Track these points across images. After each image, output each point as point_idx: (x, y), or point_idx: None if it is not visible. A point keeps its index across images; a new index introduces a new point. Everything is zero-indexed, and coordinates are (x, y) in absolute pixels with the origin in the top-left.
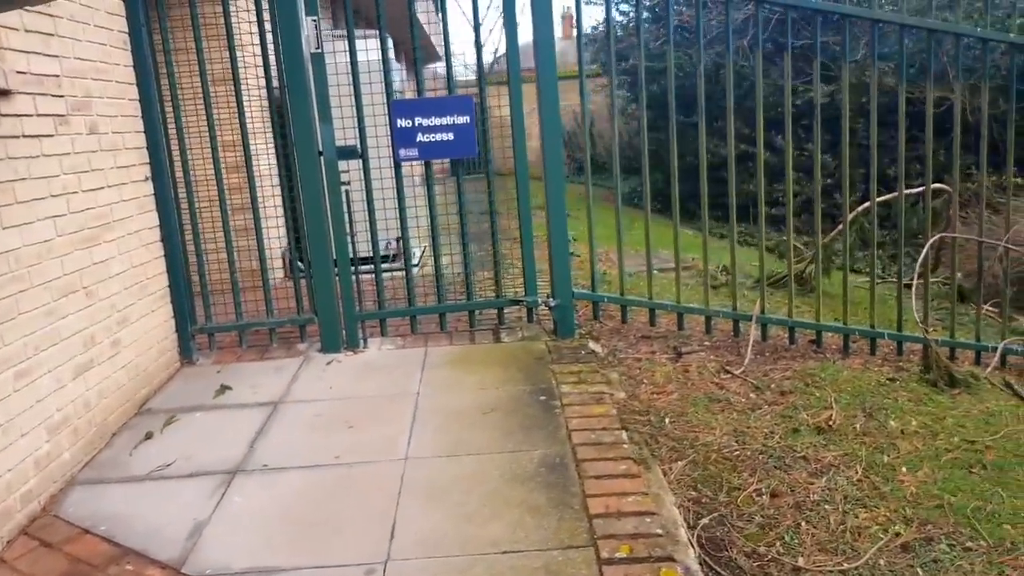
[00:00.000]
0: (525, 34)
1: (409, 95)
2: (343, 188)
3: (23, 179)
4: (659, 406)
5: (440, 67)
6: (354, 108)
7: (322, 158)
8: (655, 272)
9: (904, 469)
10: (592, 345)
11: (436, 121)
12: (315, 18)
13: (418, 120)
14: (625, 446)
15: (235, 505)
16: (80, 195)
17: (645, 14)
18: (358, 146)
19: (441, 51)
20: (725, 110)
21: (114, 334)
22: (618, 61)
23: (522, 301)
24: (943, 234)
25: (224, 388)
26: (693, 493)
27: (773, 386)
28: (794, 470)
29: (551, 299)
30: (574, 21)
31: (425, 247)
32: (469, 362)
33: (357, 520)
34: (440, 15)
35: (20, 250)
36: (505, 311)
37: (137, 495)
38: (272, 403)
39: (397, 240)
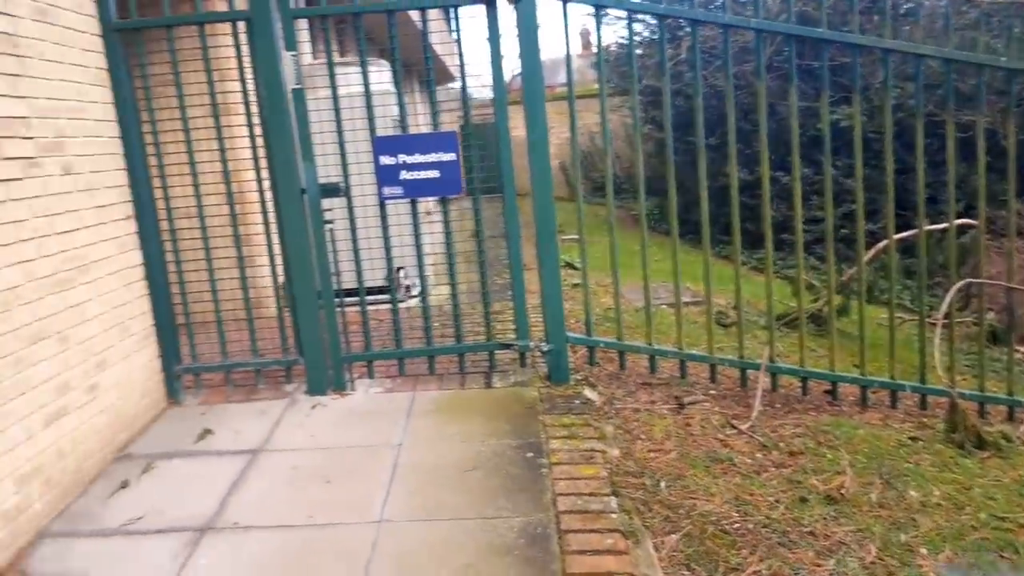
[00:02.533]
0: (548, 51)
1: (419, 119)
2: (327, 226)
3: None
4: (655, 467)
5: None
6: (338, 144)
7: (305, 196)
8: (662, 307)
9: (924, 551)
10: (587, 393)
11: (420, 158)
12: (294, 53)
13: (402, 157)
14: (614, 516)
15: (199, 570)
16: (53, 238)
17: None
18: (342, 183)
19: (453, 71)
20: (746, 135)
21: (91, 378)
22: (625, 79)
23: (513, 345)
24: (969, 280)
25: (206, 432)
26: (686, 573)
27: (782, 444)
28: (800, 548)
29: (543, 343)
30: (591, 37)
31: (423, 278)
32: (456, 410)
33: None
34: (456, 35)
35: None
36: (498, 353)
37: (105, 551)
38: (252, 451)
39: (398, 269)
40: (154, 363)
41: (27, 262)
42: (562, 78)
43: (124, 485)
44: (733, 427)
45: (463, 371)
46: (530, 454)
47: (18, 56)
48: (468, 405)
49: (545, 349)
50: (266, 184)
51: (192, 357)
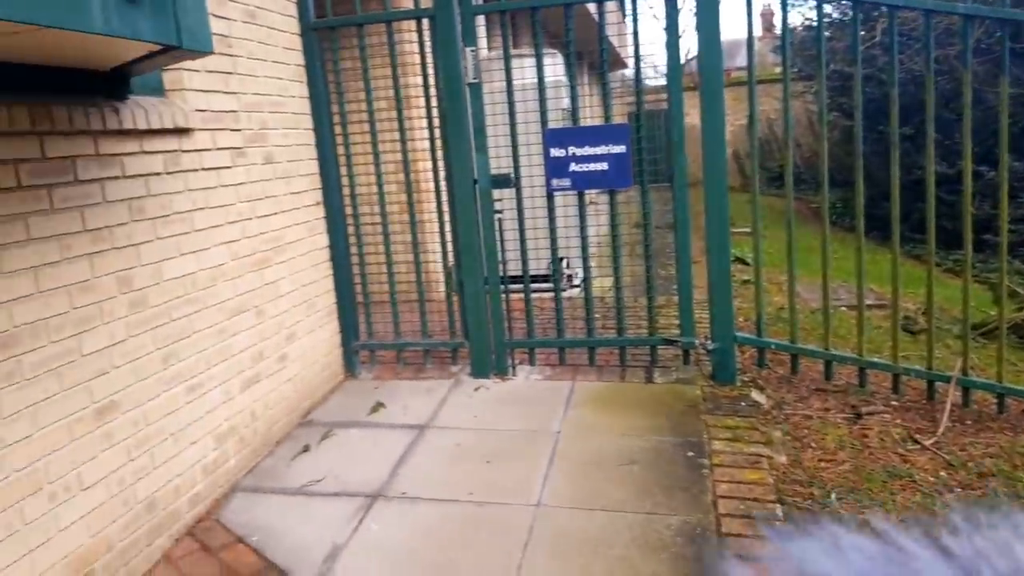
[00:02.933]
0: (727, 32)
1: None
2: (496, 216)
3: (201, 208)
4: (826, 477)
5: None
6: (509, 136)
7: (477, 186)
8: (842, 309)
9: None
10: (755, 395)
11: (590, 151)
12: (473, 48)
13: (572, 149)
14: (778, 524)
15: (371, 533)
16: (254, 221)
17: (850, 14)
18: (512, 174)
19: (624, 56)
20: (946, 124)
21: (281, 349)
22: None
23: (676, 341)
24: None
25: (379, 405)
26: None
27: (970, 464)
28: None
29: (709, 341)
30: (773, 19)
31: (587, 269)
32: (615, 403)
33: (481, 570)
34: (632, 18)
35: (196, 274)
36: (659, 348)
37: (288, 508)
38: (419, 426)
39: (561, 259)
40: (335, 338)
41: (232, 242)
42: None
43: (306, 449)
44: (916, 442)
45: (624, 364)
46: (691, 453)
47: (231, 56)
48: (627, 398)
49: (711, 347)
50: (440, 174)
51: (368, 334)
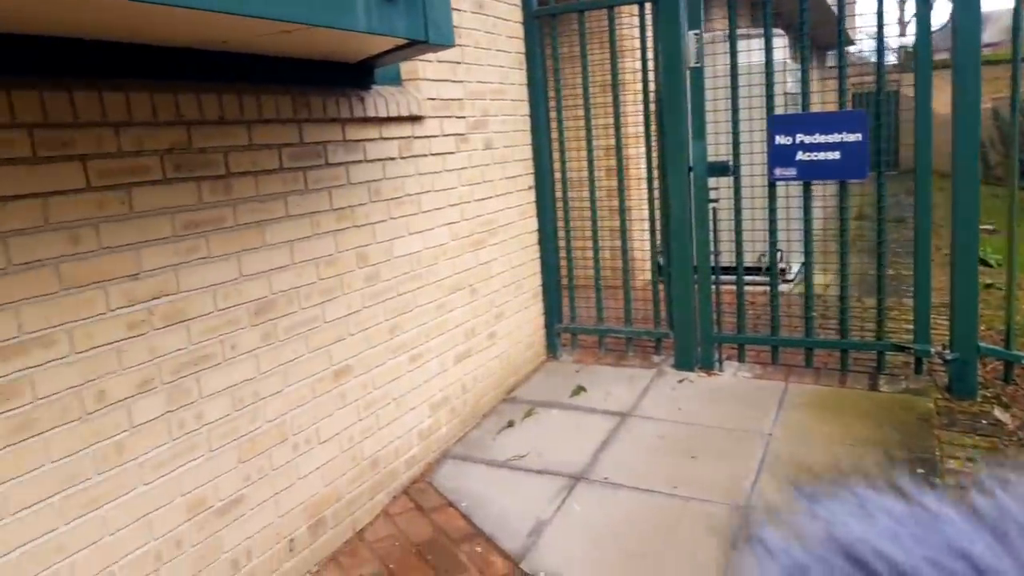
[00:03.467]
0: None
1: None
2: (711, 205)
3: (427, 191)
4: None
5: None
6: (730, 123)
7: (691, 173)
8: None
9: None
10: (997, 413)
11: (821, 139)
12: (697, 32)
13: (799, 137)
14: None
15: (574, 513)
16: (472, 204)
17: None
18: (730, 162)
19: (852, 34)
20: None
21: (491, 327)
22: None
23: (909, 348)
24: None
25: (580, 389)
26: None
27: None
28: None
29: (947, 351)
30: None
31: (809, 264)
32: (835, 409)
33: (685, 567)
34: None
35: (421, 252)
36: (887, 354)
37: (493, 479)
38: (621, 414)
39: (776, 251)
40: (539, 319)
41: (452, 224)
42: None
43: (510, 424)
44: None
45: (845, 369)
46: (920, 470)
47: (460, 46)
48: (848, 405)
49: (949, 357)
50: (653, 160)
51: (571, 318)
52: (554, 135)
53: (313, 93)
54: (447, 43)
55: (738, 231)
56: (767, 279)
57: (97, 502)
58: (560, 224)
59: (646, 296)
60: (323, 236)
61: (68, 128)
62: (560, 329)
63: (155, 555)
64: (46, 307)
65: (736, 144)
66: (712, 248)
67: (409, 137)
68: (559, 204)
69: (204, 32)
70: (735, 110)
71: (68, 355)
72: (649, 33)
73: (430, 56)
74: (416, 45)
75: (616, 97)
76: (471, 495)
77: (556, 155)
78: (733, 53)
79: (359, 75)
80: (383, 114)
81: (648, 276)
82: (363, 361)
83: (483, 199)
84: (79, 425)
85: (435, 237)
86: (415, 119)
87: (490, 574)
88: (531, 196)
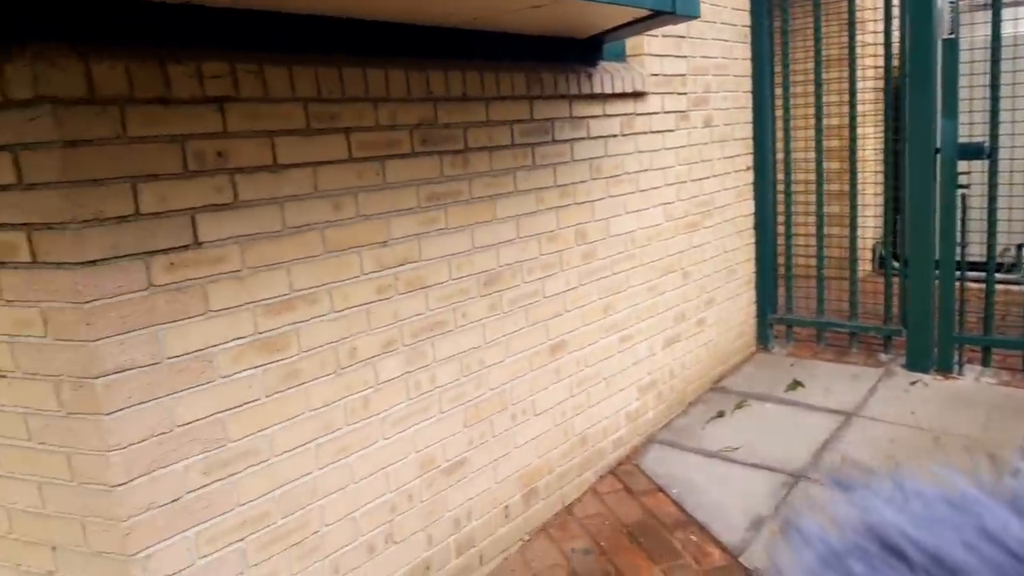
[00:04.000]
0: None
1: None
2: (959, 191)
3: (645, 170)
4: None
5: None
6: (988, 100)
7: (938, 156)
8: None
9: None
10: None
11: None
12: (952, 0)
13: None
14: None
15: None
16: (688, 184)
17: None
18: (986, 144)
19: None
20: None
21: (701, 313)
22: None
23: None
24: None
25: (796, 384)
26: None
27: None
28: None
29: None
30: None
31: None
32: None
33: None
34: None
35: (635, 232)
36: None
37: (705, 469)
38: (844, 413)
39: (1019, 247)
40: (750, 308)
41: (667, 204)
42: None
43: (720, 415)
44: None
45: None
46: None
47: None
48: None
49: None
50: (886, 140)
51: (787, 308)
52: (777, 113)
53: (544, 70)
54: (693, 14)
55: (991, 221)
56: (1019, 276)
57: (345, 451)
58: (779, 208)
59: (875, 290)
60: (546, 212)
61: (336, 103)
62: (774, 319)
63: (390, 506)
64: (312, 268)
65: (995, 124)
66: (959, 239)
67: (631, 114)
68: (779, 187)
69: (461, 8)
70: (995, 86)
71: (328, 313)
72: (895, 1)
73: (656, 31)
74: (659, 17)
75: (853, 72)
76: (681, 482)
77: (779, 135)
78: (996, 23)
79: (587, 51)
80: (608, 90)
81: (870, 267)
82: (577, 338)
83: (700, 179)
84: (334, 378)
85: (650, 217)
86: (638, 95)
87: (707, 564)
88: (749, 177)
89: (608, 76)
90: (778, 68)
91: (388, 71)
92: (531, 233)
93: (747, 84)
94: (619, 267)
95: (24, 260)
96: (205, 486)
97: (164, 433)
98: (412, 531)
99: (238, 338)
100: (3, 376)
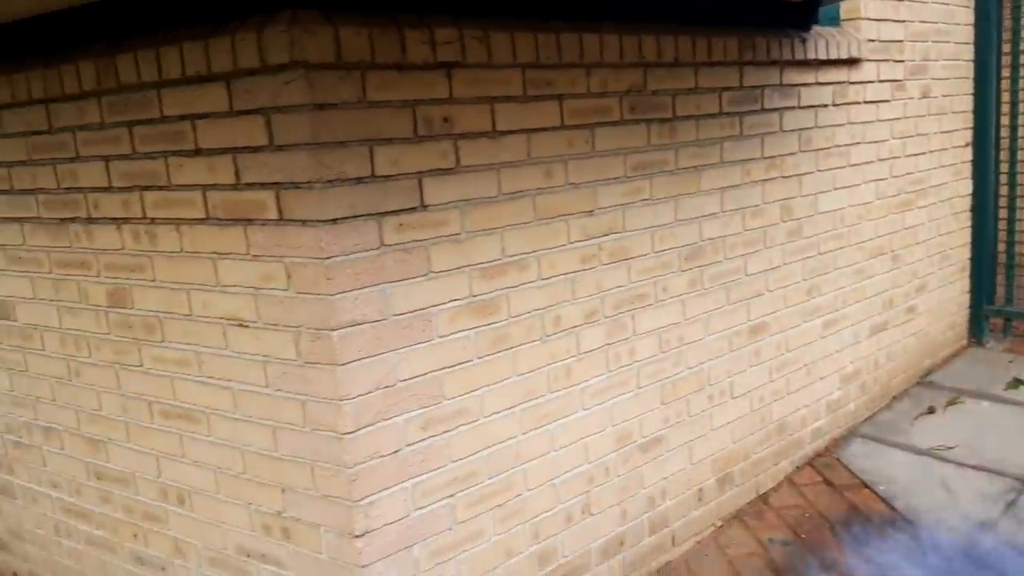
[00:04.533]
0: None
1: None
2: None
3: (857, 143)
4: None
5: None
6: None
7: None
8: None
9: None
10: None
11: None
12: None
13: None
14: None
15: None
16: (902, 160)
17: None
18: None
19: None
20: None
21: (910, 300)
22: None
23: None
24: None
25: (1018, 382)
26: None
27: None
28: None
29: None
30: None
31: None
32: None
33: None
34: None
35: (844, 210)
36: None
37: (915, 467)
38: None
39: None
40: (963, 297)
41: (879, 181)
42: None
43: (930, 411)
44: None
45: None
46: None
47: None
48: None
49: None
50: None
51: (1007, 300)
52: (1004, 85)
53: (757, 34)
54: None
55: None
56: None
57: (547, 418)
58: (1002, 190)
59: None
60: (752, 185)
61: (552, 69)
62: (990, 311)
63: (587, 477)
64: (523, 234)
65: None
66: None
67: (844, 83)
68: (1003, 166)
69: None
70: None
71: (536, 280)
72: None
73: None
74: None
75: None
76: (889, 478)
77: (1004, 108)
78: None
79: (802, 15)
80: (822, 56)
81: None
82: (778, 320)
83: (914, 155)
84: (539, 345)
85: (860, 194)
86: (852, 63)
87: None
88: (967, 155)
89: (823, 41)
90: (1006, 35)
91: (602, 36)
92: (735, 207)
93: (968, 52)
94: (825, 247)
95: (271, 217)
96: (422, 440)
97: (388, 387)
98: (608, 504)
99: (455, 300)
100: (245, 326)
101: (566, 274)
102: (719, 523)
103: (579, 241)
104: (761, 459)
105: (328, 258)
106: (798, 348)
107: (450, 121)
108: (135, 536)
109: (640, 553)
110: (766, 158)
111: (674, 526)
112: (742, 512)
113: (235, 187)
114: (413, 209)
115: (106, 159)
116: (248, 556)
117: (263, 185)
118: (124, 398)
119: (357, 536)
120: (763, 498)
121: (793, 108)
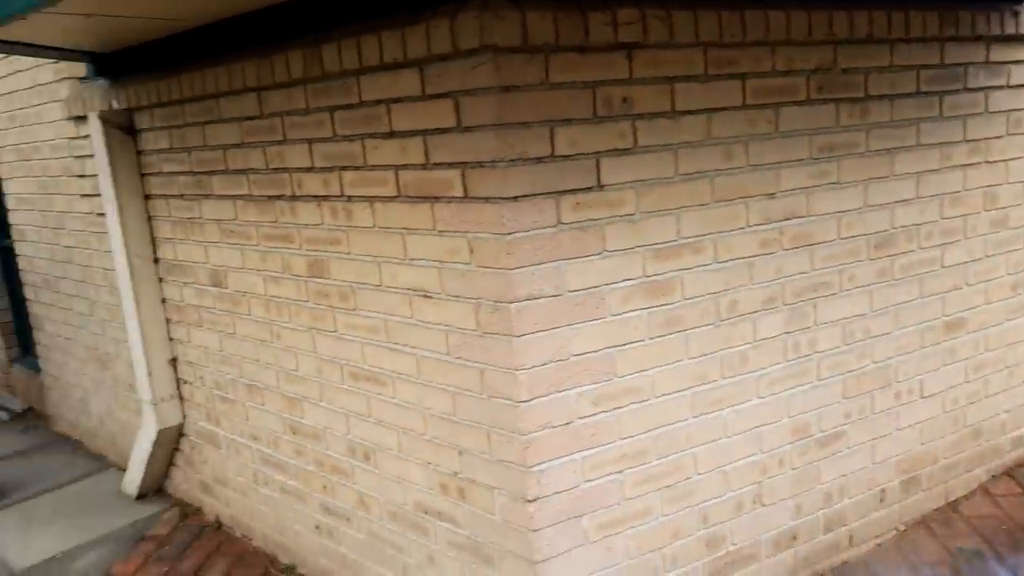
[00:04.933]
0: None
1: None
2: None
3: None
4: None
5: None
6: None
7: None
8: None
9: None
10: None
11: None
12: None
13: None
14: None
15: None
16: None
17: None
18: None
19: None
20: None
21: None
22: None
23: None
24: None
25: None
26: None
27: None
28: None
29: None
30: None
31: None
32: None
33: None
34: None
35: None
36: None
37: None
38: None
39: None
40: None
41: None
42: None
43: None
44: None
45: None
46: None
47: None
48: None
49: None
50: None
51: None
52: None
53: (961, 8)
54: None
55: None
56: None
57: (719, 404)
58: None
59: None
60: (952, 170)
61: (735, 47)
62: None
63: (761, 468)
64: (699, 216)
65: None
66: None
67: None
68: None
69: None
70: None
71: (711, 263)
72: None
73: None
74: None
75: None
76: None
77: None
78: None
79: None
80: None
81: None
82: (977, 317)
83: None
84: (712, 329)
85: None
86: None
87: None
88: None
89: None
90: None
91: (790, 12)
92: (932, 193)
93: None
94: None
95: (456, 195)
96: (593, 415)
97: (561, 360)
98: (780, 497)
99: (628, 279)
100: (429, 297)
101: (744, 258)
102: (902, 527)
103: (759, 224)
104: (952, 464)
105: (509, 234)
106: (1000, 348)
107: (629, 102)
108: (324, 488)
109: (814, 549)
110: (969, 141)
111: (852, 525)
112: (928, 518)
113: (424, 166)
114: (590, 188)
115: (309, 141)
116: (426, 513)
117: (450, 164)
118: (319, 360)
119: (529, 501)
120: (952, 505)
121: (1002, 87)
